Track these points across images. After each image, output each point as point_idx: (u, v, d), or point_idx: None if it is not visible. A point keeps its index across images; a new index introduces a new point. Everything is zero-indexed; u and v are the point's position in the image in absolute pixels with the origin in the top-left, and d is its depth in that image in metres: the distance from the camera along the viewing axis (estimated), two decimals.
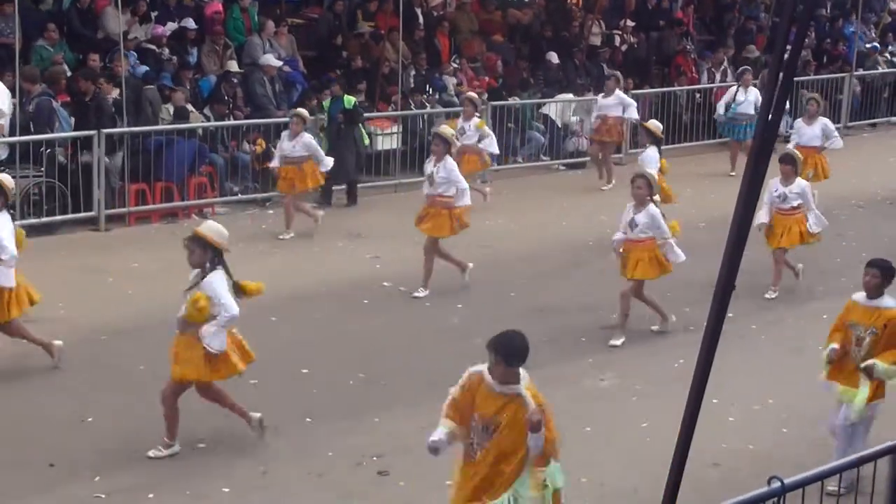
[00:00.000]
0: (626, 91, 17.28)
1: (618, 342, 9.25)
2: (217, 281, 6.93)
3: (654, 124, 12.71)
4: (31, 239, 11.85)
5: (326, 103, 13.86)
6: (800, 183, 10.57)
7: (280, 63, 15.00)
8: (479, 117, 14.13)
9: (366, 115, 15.01)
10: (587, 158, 16.31)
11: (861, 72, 20.65)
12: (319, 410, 7.76)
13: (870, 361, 6.54)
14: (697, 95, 18.41)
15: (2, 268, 7.98)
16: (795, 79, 17.57)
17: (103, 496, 6.56)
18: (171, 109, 13.37)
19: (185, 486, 6.71)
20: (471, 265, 10.65)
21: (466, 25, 17.91)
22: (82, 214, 12.25)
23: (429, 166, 10.37)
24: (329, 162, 12.41)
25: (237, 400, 7.81)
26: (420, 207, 10.45)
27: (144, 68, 13.90)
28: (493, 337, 5.35)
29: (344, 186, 14.01)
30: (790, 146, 13.88)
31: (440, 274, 10.61)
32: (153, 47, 14.30)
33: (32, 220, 11.88)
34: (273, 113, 14.32)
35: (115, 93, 12.77)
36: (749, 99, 16.25)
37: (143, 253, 11.43)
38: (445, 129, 11.12)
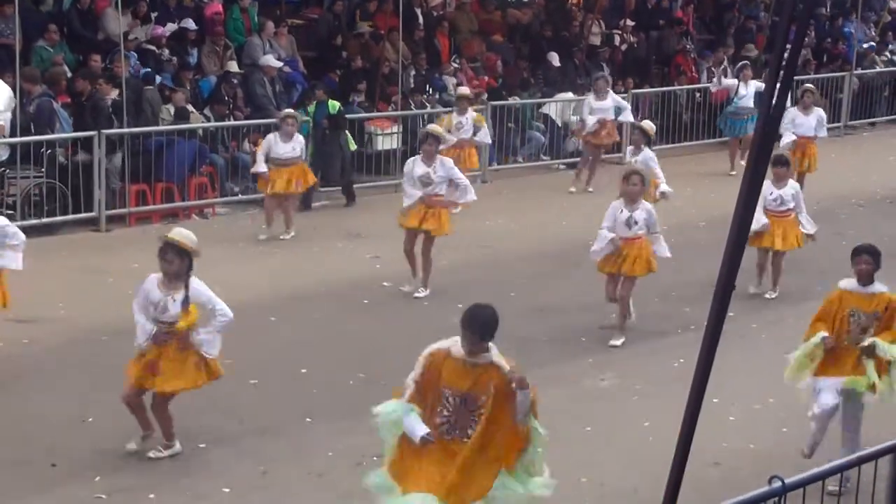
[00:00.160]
0: (626, 90, 17.34)
1: (618, 342, 9.25)
2: (203, 286, 6.90)
3: (649, 125, 12.71)
4: (31, 239, 11.85)
5: (311, 108, 13.65)
6: (793, 185, 10.61)
7: (280, 63, 15.00)
8: (477, 111, 14.16)
9: (366, 115, 15.03)
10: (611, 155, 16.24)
11: (871, 70, 20.66)
12: (319, 410, 7.75)
13: (869, 340, 6.62)
14: (697, 95, 18.41)
15: (10, 252, 8.03)
16: (795, 77, 17.63)
17: (104, 496, 6.56)
18: (172, 110, 13.37)
19: (186, 487, 6.71)
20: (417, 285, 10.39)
21: (466, 25, 17.92)
22: (83, 215, 12.26)
23: (421, 167, 10.09)
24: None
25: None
26: (416, 209, 10.15)
27: (146, 69, 13.90)
28: (465, 312, 5.38)
29: (336, 188, 13.97)
30: (786, 140, 13.90)
31: (440, 274, 10.61)
32: (153, 48, 14.30)
33: (33, 221, 11.88)
34: (273, 113, 14.29)
35: (113, 93, 12.77)
36: (749, 93, 16.26)
37: (143, 253, 11.38)
38: (436, 127, 11.11)
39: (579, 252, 11.99)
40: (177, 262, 6.79)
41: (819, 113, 14.47)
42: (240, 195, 13.62)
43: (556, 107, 16.83)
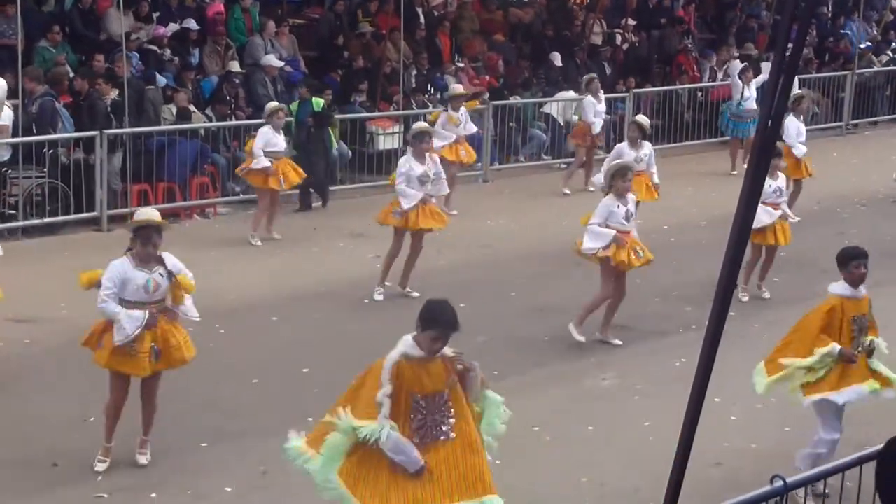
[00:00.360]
0: (627, 90, 17.34)
1: (619, 341, 9.24)
2: (168, 254, 6.85)
3: (645, 119, 12.69)
4: (33, 239, 11.93)
5: (294, 106, 13.39)
6: (782, 177, 10.57)
7: (281, 63, 15.00)
8: (477, 110, 14.17)
9: (367, 114, 15.03)
10: (595, 157, 16.26)
11: (869, 69, 20.63)
12: (320, 410, 7.69)
13: (868, 340, 6.67)
14: (699, 94, 18.40)
15: None
16: (797, 77, 17.62)
17: (105, 496, 6.57)
18: (174, 110, 13.37)
19: (187, 486, 6.72)
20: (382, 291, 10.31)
21: (468, 25, 17.92)
22: (85, 215, 12.26)
23: (418, 166, 9.97)
24: None
25: (241, 400, 7.82)
26: (416, 210, 10.04)
27: (148, 69, 13.91)
28: (425, 312, 5.33)
29: (336, 189, 13.95)
30: (800, 153, 13.75)
31: (441, 273, 10.61)
32: (155, 48, 14.31)
33: (35, 221, 11.91)
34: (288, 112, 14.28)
35: (113, 93, 12.77)
36: (753, 94, 16.24)
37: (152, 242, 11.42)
38: (426, 124, 11.07)
39: None
40: (159, 241, 6.75)
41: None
42: (241, 195, 13.61)
43: (558, 106, 16.82)
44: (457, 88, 14.27)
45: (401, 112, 15.12)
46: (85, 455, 6.95)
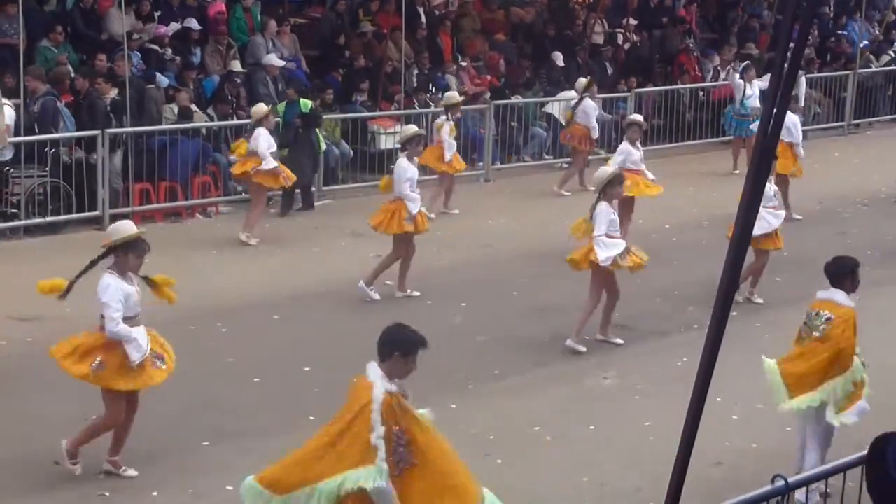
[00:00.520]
0: (629, 90, 17.33)
1: (620, 340, 9.25)
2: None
3: (641, 118, 12.70)
4: (35, 238, 11.93)
5: (281, 108, 13.31)
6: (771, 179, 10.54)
7: (283, 63, 15.00)
8: (479, 110, 14.17)
9: (369, 114, 15.03)
10: (590, 158, 16.27)
11: (870, 69, 20.62)
12: (322, 409, 7.74)
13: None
14: (700, 94, 18.39)
15: None
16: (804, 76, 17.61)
17: (107, 494, 6.58)
18: (176, 109, 13.38)
19: (188, 485, 6.72)
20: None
21: (469, 24, 17.92)
22: (87, 214, 12.26)
23: (413, 169, 10.09)
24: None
25: (243, 399, 7.83)
26: (417, 212, 10.18)
27: (149, 69, 13.91)
28: (387, 339, 5.23)
29: (337, 188, 13.94)
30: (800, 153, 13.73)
31: (442, 273, 10.61)
32: (156, 48, 14.31)
33: (37, 220, 11.92)
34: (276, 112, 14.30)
35: (112, 93, 12.77)
36: (755, 92, 16.22)
37: (147, 253, 11.42)
38: (416, 127, 11.05)
39: None
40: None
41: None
42: (243, 194, 13.61)
43: (559, 106, 16.81)
44: (454, 96, 14.21)
45: (402, 111, 15.11)
46: (87, 453, 6.95)
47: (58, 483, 6.69)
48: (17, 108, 11.79)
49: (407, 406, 5.22)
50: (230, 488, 6.67)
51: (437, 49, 17.04)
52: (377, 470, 5.01)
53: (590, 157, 15.23)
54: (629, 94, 17.15)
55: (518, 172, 15.86)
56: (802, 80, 17.59)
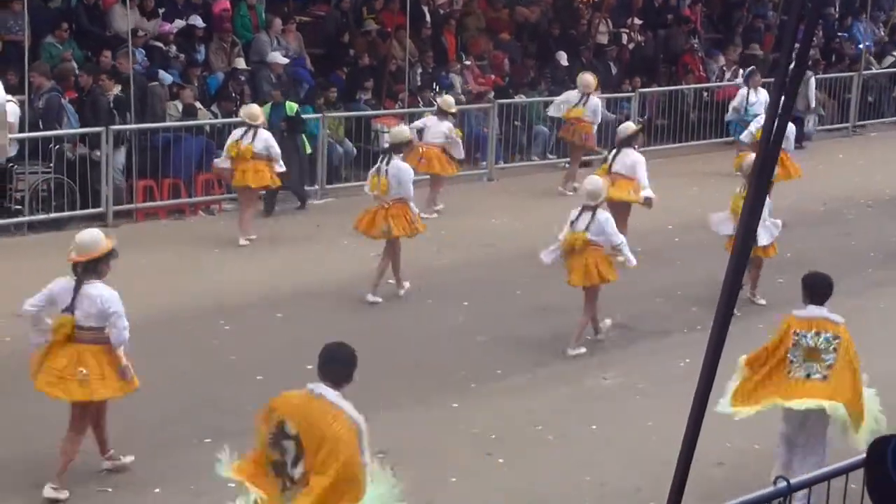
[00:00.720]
0: (633, 89, 17.31)
1: (609, 320, 9.31)
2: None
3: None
4: (39, 235, 11.94)
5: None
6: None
7: (287, 60, 14.99)
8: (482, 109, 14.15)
9: (373, 112, 15.02)
10: (594, 157, 16.26)
11: (873, 70, 20.58)
12: None
13: None
14: (705, 94, 18.37)
15: None
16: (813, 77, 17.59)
17: (110, 490, 6.59)
18: (180, 107, 13.38)
19: (190, 482, 6.73)
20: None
21: (473, 23, 17.91)
22: (90, 210, 12.28)
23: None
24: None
25: (245, 397, 7.82)
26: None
27: (153, 66, 13.91)
28: (345, 359, 5.42)
29: (336, 187, 13.89)
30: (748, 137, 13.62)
31: (443, 272, 10.61)
32: (160, 45, 14.32)
33: (41, 216, 11.93)
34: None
35: (115, 89, 12.78)
36: (760, 99, 16.19)
37: (150, 249, 11.44)
38: (408, 130, 11.09)
39: None
40: None
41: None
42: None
43: (563, 105, 16.78)
44: (450, 103, 14.11)
45: (406, 110, 15.11)
46: (89, 450, 6.96)
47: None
48: (21, 104, 11.80)
49: None
50: (232, 486, 6.68)
51: (442, 48, 17.04)
52: (385, 487, 5.29)
53: (587, 157, 15.24)
54: (633, 93, 17.13)
55: (521, 172, 15.85)
56: (812, 82, 17.57)
